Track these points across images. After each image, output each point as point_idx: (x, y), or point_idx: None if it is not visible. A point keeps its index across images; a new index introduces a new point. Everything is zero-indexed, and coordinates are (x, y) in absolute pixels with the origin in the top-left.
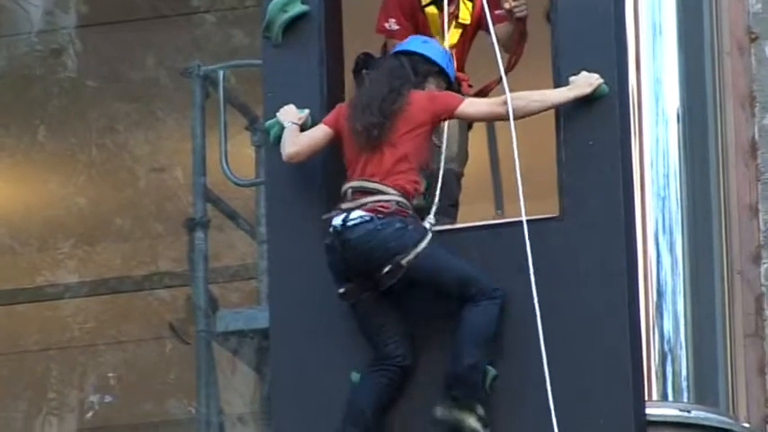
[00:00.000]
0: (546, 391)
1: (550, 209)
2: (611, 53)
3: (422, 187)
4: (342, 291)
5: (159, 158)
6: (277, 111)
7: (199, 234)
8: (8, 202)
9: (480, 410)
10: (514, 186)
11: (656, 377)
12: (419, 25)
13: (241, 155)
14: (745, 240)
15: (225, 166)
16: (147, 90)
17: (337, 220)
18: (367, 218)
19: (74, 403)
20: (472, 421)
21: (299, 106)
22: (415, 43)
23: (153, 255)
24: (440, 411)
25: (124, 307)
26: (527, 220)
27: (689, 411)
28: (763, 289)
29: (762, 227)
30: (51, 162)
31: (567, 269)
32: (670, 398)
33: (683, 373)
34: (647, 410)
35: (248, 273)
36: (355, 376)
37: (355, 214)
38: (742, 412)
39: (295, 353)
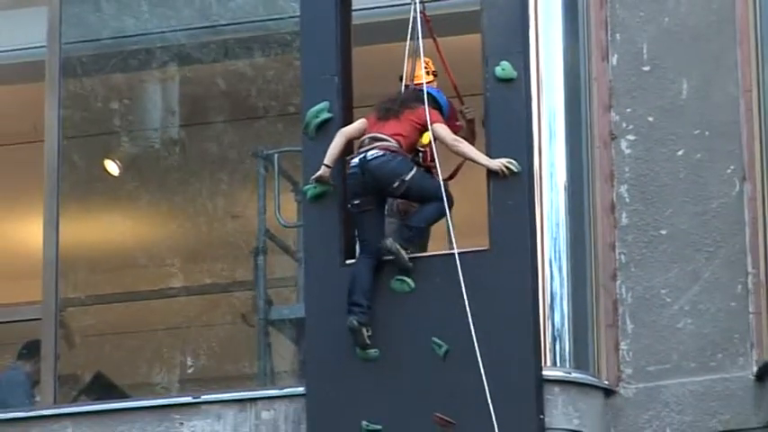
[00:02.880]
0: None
1: (483, 243)
2: (522, 146)
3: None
4: (356, 202)
5: (237, 209)
6: (311, 181)
7: (260, 257)
8: (139, 238)
9: (409, 251)
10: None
11: (550, 351)
12: None
13: (288, 207)
14: (606, 265)
15: (278, 214)
16: (229, 165)
17: (358, 159)
18: (380, 153)
19: (178, 362)
20: (404, 252)
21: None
22: (434, 91)
23: (231, 270)
24: (389, 242)
25: (213, 303)
26: (467, 251)
27: (570, 373)
28: (617, 296)
29: (617, 257)
30: (169, 212)
31: (494, 282)
32: (558, 364)
33: (567, 348)
34: (544, 372)
35: (292, 282)
36: (364, 353)
37: (373, 152)
38: (603, 374)
39: (321, 333)
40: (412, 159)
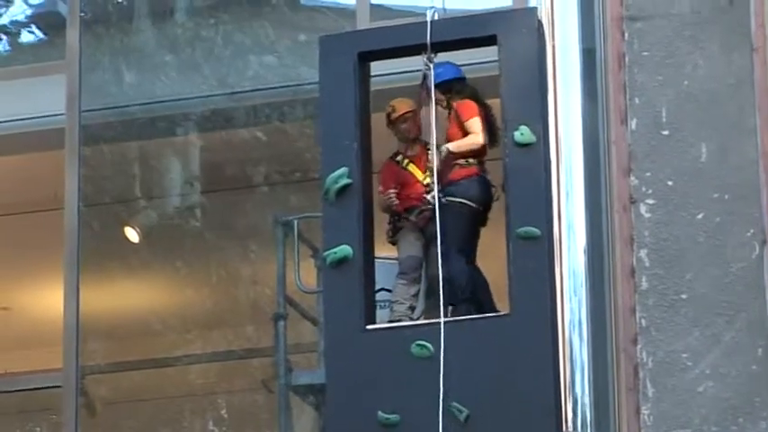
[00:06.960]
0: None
1: (503, 307)
2: (541, 210)
3: None
4: (474, 206)
5: (256, 276)
6: (331, 246)
7: (281, 323)
8: (158, 305)
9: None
10: None
11: (571, 416)
12: (407, 182)
13: (308, 273)
14: (627, 329)
15: (297, 280)
16: (249, 231)
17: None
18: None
19: (198, 429)
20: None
21: (344, 243)
22: None
23: (252, 336)
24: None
25: (232, 369)
26: (487, 316)
27: None
28: (638, 360)
29: (637, 321)
30: (186, 280)
31: (514, 347)
32: (579, 429)
33: (588, 413)
34: None
35: (312, 347)
36: (385, 417)
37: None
38: None
39: (342, 399)
40: None
